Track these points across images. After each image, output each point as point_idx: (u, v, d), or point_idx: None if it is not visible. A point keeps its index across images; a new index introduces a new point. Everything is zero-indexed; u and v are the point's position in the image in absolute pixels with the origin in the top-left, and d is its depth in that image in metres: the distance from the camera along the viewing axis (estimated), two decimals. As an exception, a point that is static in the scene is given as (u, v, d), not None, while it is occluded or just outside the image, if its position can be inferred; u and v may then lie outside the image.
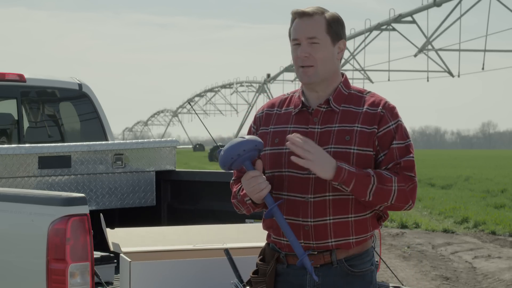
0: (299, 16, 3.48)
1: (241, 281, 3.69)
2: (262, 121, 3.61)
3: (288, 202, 3.43)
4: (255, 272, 3.58)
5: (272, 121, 3.58)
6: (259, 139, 3.42)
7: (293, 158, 3.33)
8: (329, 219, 3.41)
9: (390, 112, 3.46)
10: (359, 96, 3.52)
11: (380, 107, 3.46)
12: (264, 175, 3.47)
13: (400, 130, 3.46)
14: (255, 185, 3.37)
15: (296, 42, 3.47)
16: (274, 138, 3.52)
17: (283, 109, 3.58)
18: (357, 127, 3.43)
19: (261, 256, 3.59)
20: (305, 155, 3.30)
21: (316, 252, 3.42)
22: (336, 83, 3.53)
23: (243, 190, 3.51)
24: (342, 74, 3.57)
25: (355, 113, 3.46)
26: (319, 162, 3.31)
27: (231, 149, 3.37)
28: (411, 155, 3.45)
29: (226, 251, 3.84)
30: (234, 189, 3.62)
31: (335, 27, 3.48)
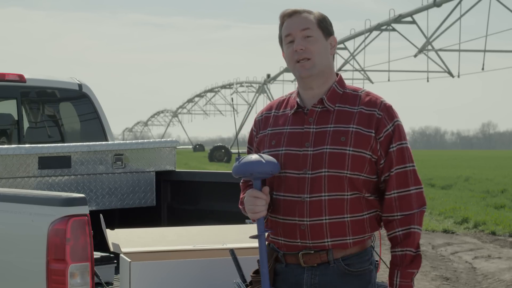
0: (288, 15, 3.53)
1: (243, 281, 3.71)
2: (262, 125, 3.63)
3: (284, 202, 3.44)
4: (256, 272, 3.60)
5: (270, 123, 3.60)
6: (277, 164, 3.42)
7: None
8: (325, 219, 3.41)
9: (387, 113, 3.46)
10: (354, 95, 3.52)
11: (376, 109, 3.46)
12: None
13: (397, 131, 3.46)
14: (252, 205, 3.40)
15: (290, 39, 3.50)
16: (271, 140, 3.54)
17: (281, 111, 3.60)
18: (353, 127, 3.43)
19: (263, 255, 3.61)
20: None
21: (312, 251, 3.43)
22: (331, 82, 3.54)
23: None
24: (337, 74, 3.59)
25: (350, 113, 3.46)
26: None
27: (247, 166, 3.39)
28: (413, 163, 3.47)
29: (231, 251, 3.84)
30: (241, 195, 3.63)
31: (324, 24, 3.53)
